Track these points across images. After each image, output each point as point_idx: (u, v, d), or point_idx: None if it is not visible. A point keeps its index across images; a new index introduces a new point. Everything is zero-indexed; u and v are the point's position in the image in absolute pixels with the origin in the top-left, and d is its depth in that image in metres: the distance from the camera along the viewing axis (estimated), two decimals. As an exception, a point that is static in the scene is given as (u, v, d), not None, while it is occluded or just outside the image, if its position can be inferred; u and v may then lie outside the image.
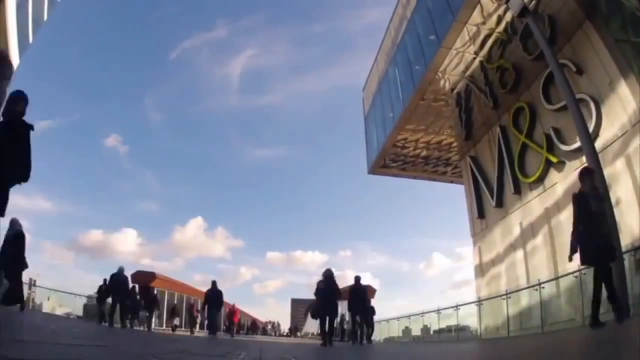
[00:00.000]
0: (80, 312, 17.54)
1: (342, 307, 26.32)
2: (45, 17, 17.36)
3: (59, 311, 11.88)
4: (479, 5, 12.58)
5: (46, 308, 15.27)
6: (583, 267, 9.20)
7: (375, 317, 16.57)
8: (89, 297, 18.12)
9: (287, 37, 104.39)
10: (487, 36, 13.27)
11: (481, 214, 14.88)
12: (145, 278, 22.40)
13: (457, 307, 15.54)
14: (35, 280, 15.14)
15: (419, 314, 18.38)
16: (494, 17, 12.52)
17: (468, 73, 15.13)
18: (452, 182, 21.91)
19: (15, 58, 14.30)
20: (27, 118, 3.66)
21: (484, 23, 13.10)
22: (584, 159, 8.74)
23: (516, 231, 12.53)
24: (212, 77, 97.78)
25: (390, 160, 22.56)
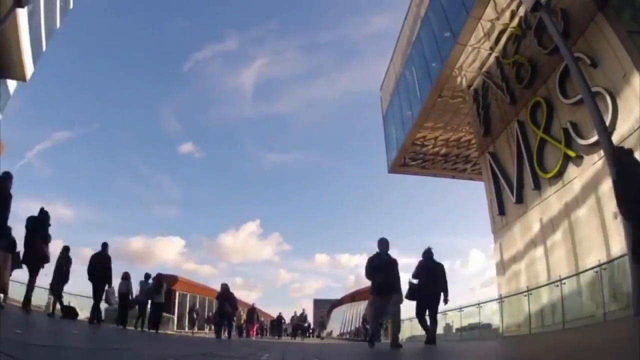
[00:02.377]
0: (102, 317, 18.08)
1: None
2: (58, 25, 17.94)
3: (80, 315, 12.12)
4: (492, 1, 12.57)
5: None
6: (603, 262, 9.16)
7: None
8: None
9: (296, 46, 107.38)
10: (502, 31, 13.19)
11: (501, 211, 14.71)
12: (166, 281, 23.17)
13: (479, 304, 15.45)
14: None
15: (440, 313, 18.30)
16: (508, 12, 12.47)
17: (484, 69, 15.05)
18: (471, 179, 21.70)
19: (29, 66, 14.86)
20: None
21: (497, 18, 13.05)
22: (601, 152, 8.64)
23: (536, 227, 12.38)
24: (225, 86, 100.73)
25: (410, 159, 22.59)
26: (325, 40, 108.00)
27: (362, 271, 7.08)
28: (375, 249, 7.01)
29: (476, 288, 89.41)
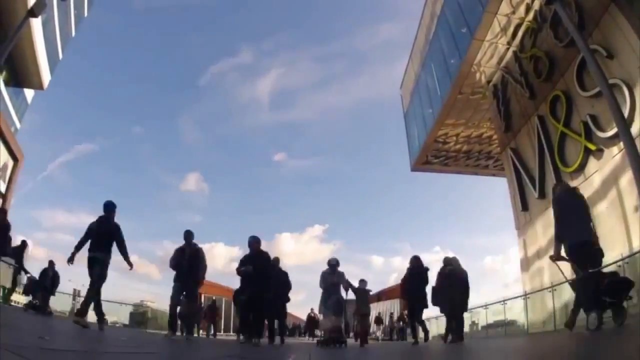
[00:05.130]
0: (126, 321, 18.26)
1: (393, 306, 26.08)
2: (74, 33, 18.15)
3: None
4: (506, -5, 12.49)
5: (91, 317, 16.18)
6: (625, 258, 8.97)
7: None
8: (135, 305, 19.24)
9: (309, 57, 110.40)
10: (518, 26, 13.08)
11: (525, 207, 14.52)
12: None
13: (504, 301, 15.27)
14: (79, 291, 15.22)
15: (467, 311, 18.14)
16: (523, 6, 12.37)
17: (502, 64, 14.93)
18: (494, 175, 21.36)
19: (46, 74, 14.96)
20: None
21: (513, 12, 12.96)
22: (621, 145, 8.49)
23: (559, 222, 12.18)
24: (242, 97, 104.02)
25: (432, 157, 22.51)
26: (337, 50, 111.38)
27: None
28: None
29: (510, 284, 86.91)
